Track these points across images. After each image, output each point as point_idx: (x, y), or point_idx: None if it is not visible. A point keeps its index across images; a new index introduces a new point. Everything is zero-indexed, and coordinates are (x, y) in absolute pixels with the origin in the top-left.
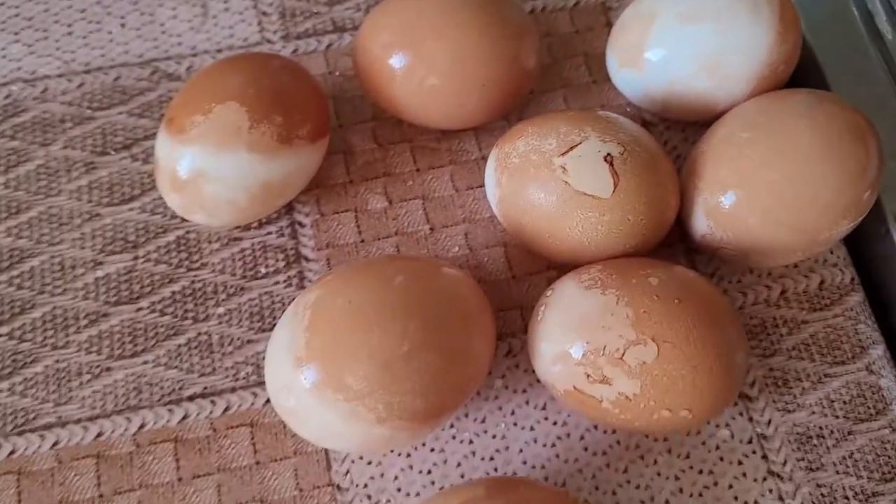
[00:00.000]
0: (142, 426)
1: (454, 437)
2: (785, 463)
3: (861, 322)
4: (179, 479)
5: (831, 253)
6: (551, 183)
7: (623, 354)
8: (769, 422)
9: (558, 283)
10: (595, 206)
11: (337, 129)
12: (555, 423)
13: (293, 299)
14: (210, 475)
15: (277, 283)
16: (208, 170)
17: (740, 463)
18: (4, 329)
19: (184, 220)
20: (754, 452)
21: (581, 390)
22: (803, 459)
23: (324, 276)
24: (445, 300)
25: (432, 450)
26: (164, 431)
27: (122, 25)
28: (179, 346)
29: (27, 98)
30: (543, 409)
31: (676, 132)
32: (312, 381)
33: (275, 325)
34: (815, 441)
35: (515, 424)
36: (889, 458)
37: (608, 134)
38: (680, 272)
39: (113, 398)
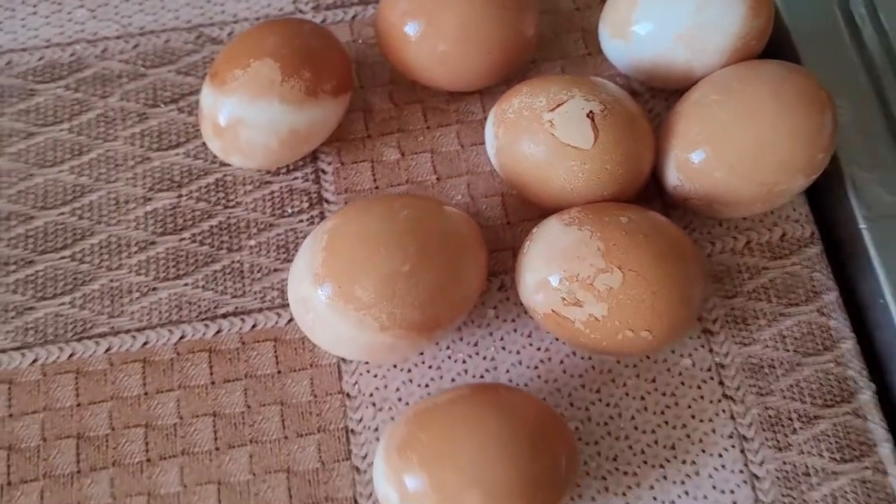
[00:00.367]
0: (182, 337)
1: (450, 357)
2: (738, 388)
3: (817, 271)
4: (212, 383)
5: (794, 210)
6: (540, 135)
7: (593, 280)
8: (727, 353)
9: (544, 222)
10: (577, 156)
11: (358, 89)
12: (538, 349)
13: None
14: (238, 380)
15: (301, 220)
16: (245, 117)
17: (699, 387)
18: (67, 252)
19: (223, 164)
20: (712, 378)
21: (558, 312)
22: (755, 385)
23: (341, 208)
24: (444, 231)
25: (430, 367)
26: (201, 343)
27: None
28: (215, 271)
29: (89, 56)
30: (529, 336)
31: (660, 100)
32: (328, 293)
33: None
34: (766, 370)
35: (504, 349)
36: (832, 387)
37: (592, 94)
38: (650, 215)
39: (158, 313)
